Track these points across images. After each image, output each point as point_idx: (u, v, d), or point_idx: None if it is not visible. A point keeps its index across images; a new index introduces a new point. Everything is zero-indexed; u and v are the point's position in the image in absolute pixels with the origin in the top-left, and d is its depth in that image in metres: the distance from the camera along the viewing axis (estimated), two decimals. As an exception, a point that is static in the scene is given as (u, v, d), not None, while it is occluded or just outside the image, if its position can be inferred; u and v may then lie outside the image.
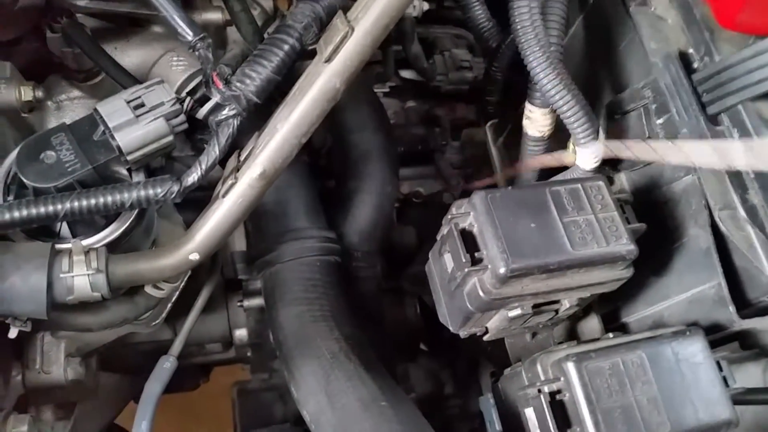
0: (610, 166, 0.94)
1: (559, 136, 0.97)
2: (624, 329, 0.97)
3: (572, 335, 0.98)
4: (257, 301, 1.20)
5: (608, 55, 0.95)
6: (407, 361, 1.37)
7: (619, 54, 0.94)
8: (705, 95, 0.80)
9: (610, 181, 0.96)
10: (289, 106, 0.74)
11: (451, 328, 0.88)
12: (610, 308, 0.96)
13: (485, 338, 0.90)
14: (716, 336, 0.81)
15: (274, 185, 1.04)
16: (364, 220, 1.17)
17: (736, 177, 0.77)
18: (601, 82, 0.98)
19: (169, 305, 1.03)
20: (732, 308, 0.77)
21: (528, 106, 0.94)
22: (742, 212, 0.76)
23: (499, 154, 1.36)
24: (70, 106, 1.06)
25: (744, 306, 0.79)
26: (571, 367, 0.73)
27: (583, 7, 1.01)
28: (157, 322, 1.01)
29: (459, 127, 1.65)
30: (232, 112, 0.76)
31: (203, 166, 0.75)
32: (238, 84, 0.76)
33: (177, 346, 0.95)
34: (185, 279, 1.01)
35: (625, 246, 0.77)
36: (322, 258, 1.02)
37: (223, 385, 1.41)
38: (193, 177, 0.76)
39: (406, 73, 1.67)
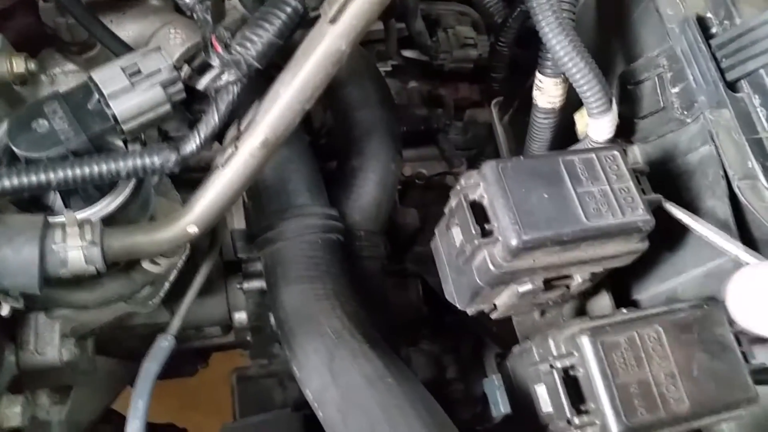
0: (623, 138, 0.91)
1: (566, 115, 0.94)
2: (636, 307, 0.94)
3: (582, 313, 0.96)
4: (257, 284, 1.17)
5: (621, 24, 0.92)
6: (409, 345, 1.34)
7: (632, 23, 0.90)
8: (724, 61, 0.77)
9: (623, 155, 0.94)
10: (292, 70, 0.71)
11: (458, 305, 0.85)
12: (621, 285, 0.93)
13: (493, 316, 0.88)
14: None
15: (274, 161, 1.02)
16: (367, 199, 1.14)
17: (758, 144, 0.74)
18: (613, 52, 0.95)
19: (167, 284, 1.00)
20: (752, 281, 0.74)
21: (538, 76, 0.91)
22: (764, 181, 0.73)
23: (505, 132, 1.33)
24: (64, 80, 1.02)
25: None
26: (585, 341, 0.70)
27: (594, -26, 0.98)
28: (154, 301, 0.98)
29: (462, 107, 1.62)
30: (232, 78, 0.73)
31: (202, 134, 0.72)
32: (238, 48, 0.72)
33: (175, 325, 0.92)
34: (184, 259, 0.98)
35: (641, 217, 0.74)
36: (324, 236, 0.98)
37: (222, 372, 1.38)
38: (191, 145, 0.73)
39: (408, 53, 1.63)
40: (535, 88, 0.93)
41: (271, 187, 1.00)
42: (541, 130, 0.96)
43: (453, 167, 1.57)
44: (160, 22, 1.02)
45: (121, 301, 0.88)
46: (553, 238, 0.72)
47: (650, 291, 0.90)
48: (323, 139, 1.38)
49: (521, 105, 1.24)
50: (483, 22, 1.54)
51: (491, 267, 0.74)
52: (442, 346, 1.42)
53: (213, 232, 0.99)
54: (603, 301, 0.93)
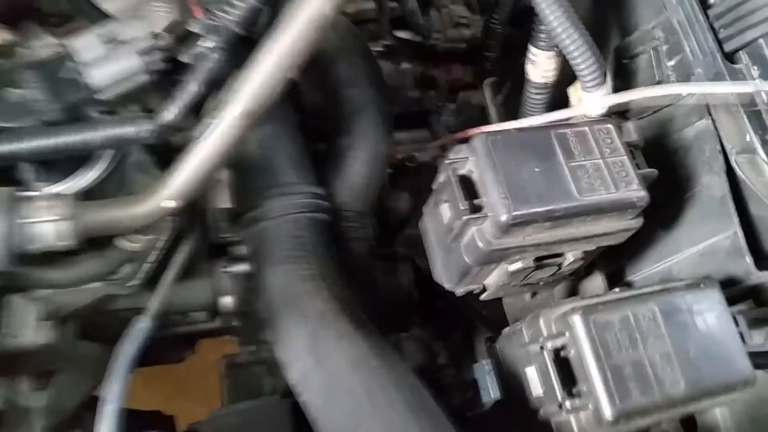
0: (617, 113, 0.89)
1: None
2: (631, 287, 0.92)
3: (574, 295, 0.93)
4: (244, 267, 1.14)
5: (616, -4, 0.89)
6: (400, 330, 1.32)
7: (628, -6, 0.88)
8: (722, 31, 0.74)
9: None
10: (274, 36, 0.67)
11: (446, 286, 0.82)
12: (614, 266, 0.91)
13: (483, 297, 0.85)
14: (731, 291, 0.76)
15: (259, 138, 0.98)
16: (356, 179, 1.11)
17: (756, 117, 0.71)
18: (609, 26, 0.92)
19: (147, 265, 0.97)
20: (749, 259, 0.71)
21: (531, 50, 0.88)
22: (762, 155, 0.70)
23: (498, 112, 1.30)
24: (44, 53, 0.99)
25: (761, 258, 0.74)
26: (577, 320, 0.68)
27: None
28: (133, 282, 0.95)
29: (456, 88, 1.59)
30: (212, 44, 0.70)
31: (180, 102, 0.69)
32: (219, 13, 0.69)
33: (153, 306, 0.89)
34: (166, 239, 0.96)
35: (636, 192, 0.71)
36: (310, 215, 0.95)
37: (211, 359, 1.35)
38: (169, 114, 0.70)
39: (401, 33, 1.60)
40: (528, 62, 0.90)
41: (255, 165, 0.97)
42: (535, 106, 0.93)
43: (446, 150, 1.54)
44: (145, -6, 0.99)
45: (98, 281, 0.85)
46: (545, 214, 0.69)
47: (645, 272, 0.88)
48: (315, 120, 1.35)
49: (515, 85, 1.21)
50: (476, 1, 1.51)
51: (480, 244, 0.71)
52: (433, 332, 1.40)
53: (194, 211, 0.95)
54: (596, 283, 0.91)
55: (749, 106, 0.72)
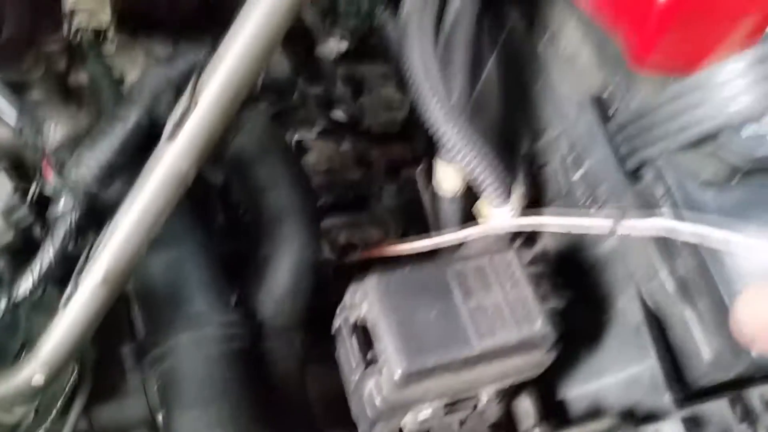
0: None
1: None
2: (562, 405, 0.86)
3: (507, 414, 0.87)
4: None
5: (524, 98, 0.85)
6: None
7: (534, 97, 0.83)
8: (623, 147, 0.69)
9: (532, 241, 0.86)
10: (131, 195, 0.62)
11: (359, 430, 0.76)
12: (545, 385, 0.85)
13: (405, 433, 0.79)
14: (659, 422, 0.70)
15: (164, 263, 0.93)
16: (280, 291, 1.04)
17: (663, 242, 0.66)
18: (519, 127, 0.87)
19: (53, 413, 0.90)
20: (668, 396, 0.66)
21: (437, 162, 0.83)
22: (671, 285, 0.65)
23: (433, 200, 1.25)
24: None
25: (685, 388, 0.68)
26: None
27: (494, 46, 0.91)
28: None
29: (396, 168, 1.55)
30: (68, 207, 0.64)
31: (35, 274, 0.64)
32: (73, 172, 0.64)
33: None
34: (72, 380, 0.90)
35: (540, 330, 0.66)
36: (222, 347, 0.89)
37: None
38: (24, 288, 0.64)
39: (337, 114, 1.56)
40: (435, 174, 0.85)
41: (159, 295, 0.91)
42: (447, 218, 0.88)
43: (389, 233, 1.49)
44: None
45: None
46: (442, 365, 0.64)
47: (575, 392, 0.82)
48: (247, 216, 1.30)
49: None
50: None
51: (377, 401, 0.65)
52: None
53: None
54: (526, 404, 0.84)
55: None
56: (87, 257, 0.64)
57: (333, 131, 1.56)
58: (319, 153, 1.55)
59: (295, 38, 1.37)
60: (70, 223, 0.65)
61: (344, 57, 1.41)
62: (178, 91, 0.70)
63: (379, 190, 1.47)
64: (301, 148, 1.52)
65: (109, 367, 0.97)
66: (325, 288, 1.31)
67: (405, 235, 1.33)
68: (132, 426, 1.21)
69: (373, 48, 1.52)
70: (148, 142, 0.66)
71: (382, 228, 1.49)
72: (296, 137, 1.45)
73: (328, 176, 1.53)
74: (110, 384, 1.13)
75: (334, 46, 1.30)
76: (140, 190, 0.62)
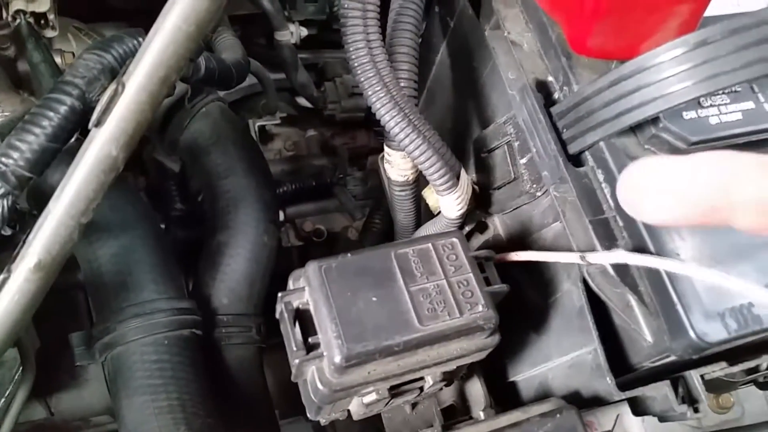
0: (482, 208, 0.84)
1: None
2: (513, 388, 0.86)
3: (461, 396, 0.88)
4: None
5: (474, 84, 0.85)
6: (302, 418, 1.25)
7: (483, 83, 0.83)
8: (565, 132, 0.69)
9: (483, 226, 0.86)
10: (63, 182, 0.61)
11: (308, 416, 0.76)
12: (497, 368, 0.86)
13: (355, 418, 0.79)
14: (603, 406, 0.71)
15: (114, 251, 0.92)
16: (236, 278, 1.04)
17: (603, 226, 0.66)
18: (469, 114, 0.87)
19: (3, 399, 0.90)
20: (610, 379, 0.66)
21: (386, 149, 0.83)
22: (611, 267, 0.65)
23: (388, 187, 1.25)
24: None
25: (627, 371, 0.68)
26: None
27: (445, 32, 0.90)
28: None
29: (361, 155, 1.54)
30: (0, 192, 0.63)
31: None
32: (3, 159, 0.63)
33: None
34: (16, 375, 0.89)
35: (482, 314, 0.66)
36: (172, 334, 0.89)
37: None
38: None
39: (303, 100, 1.55)
40: (384, 161, 0.84)
41: (109, 282, 0.90)
42: (402, 201, 0.88)
43: (355, 220, 1.49)
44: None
45: None
46: (383, 350, 0.63)
47: (524, 375, 0.83)
48: (204, 204, 1.29)
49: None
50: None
51: (320, 386, 0.65)
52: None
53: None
54: (477, 387, 0.85)
55: (595, 213, 0.67)
56: (23, 244, 0.63)
57: (297, 118, 1.56)
58: (283, 140, 1.55)
59: (253, 24, 1.36)
60: (4, 207, 0.64)
61: (306, 43, 1.40)
62: (113, 77, 0.69)
63: (344, 177, 1.47)
64: (265, 135, 1.52)
65: (68, 355, 0.96)
66: (287, 274, 1.30)
67: (369, 222, 1.33)
68: (93, 413, 1.20)
69: (336, 34, 1.51)
70: (85, 128, 0.66)
71: (346, 215, 1.49)
72: (259, 123, 1.45)
73: (292, 163, 1.52)
74: (69, 372, 1.13)
75: (295, 31, 1.29)
76: (71, 176, 0.61)
